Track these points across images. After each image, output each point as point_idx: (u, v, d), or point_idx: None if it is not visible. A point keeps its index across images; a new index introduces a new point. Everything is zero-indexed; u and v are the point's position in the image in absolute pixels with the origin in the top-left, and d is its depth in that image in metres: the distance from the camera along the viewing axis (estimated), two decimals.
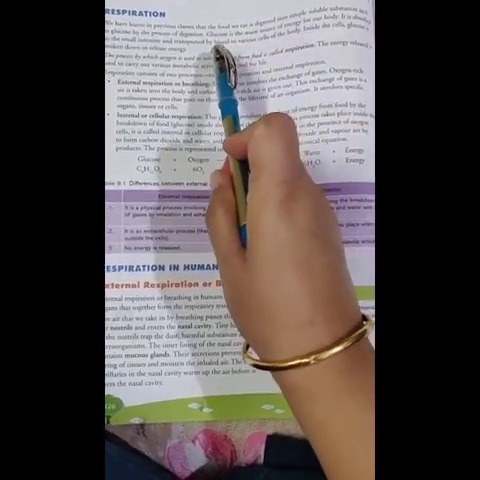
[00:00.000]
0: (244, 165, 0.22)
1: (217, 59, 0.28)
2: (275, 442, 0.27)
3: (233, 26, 0.31)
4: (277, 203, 0.19)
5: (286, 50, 0.30)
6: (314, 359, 0.18)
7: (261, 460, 0.26)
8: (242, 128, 0.28)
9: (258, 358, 0.21)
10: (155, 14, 0.30)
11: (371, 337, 0.24)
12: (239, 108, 0.28)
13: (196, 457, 0.27)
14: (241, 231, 0.21)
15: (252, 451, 0.27)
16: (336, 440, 0.18)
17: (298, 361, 0.18)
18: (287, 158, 0.20)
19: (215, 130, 0.29)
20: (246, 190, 0.21)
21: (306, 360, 0.18)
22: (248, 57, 0.30)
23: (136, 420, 0.26)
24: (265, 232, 0.19)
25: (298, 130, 0.28)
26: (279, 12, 0.30)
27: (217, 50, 0.28)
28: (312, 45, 0.29)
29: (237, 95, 0.29)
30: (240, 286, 0.20)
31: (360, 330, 0.19)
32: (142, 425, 0.27)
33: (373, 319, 0.27)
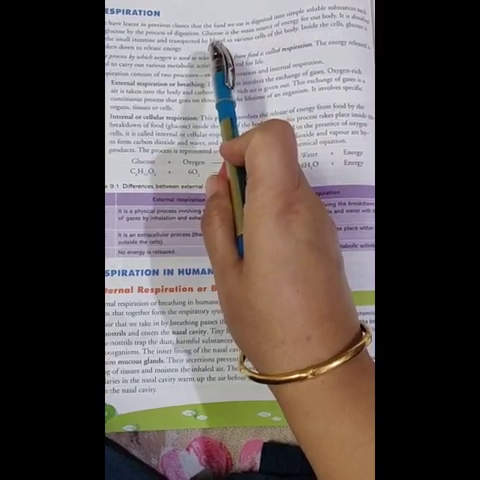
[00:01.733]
0: (242, 172, 0.22)
1: (214, 57, 0.28)
2: (272, 449, 0.27)
3: (229, 25, 0.31)
4: (274, 215, 0.19)
5: (283, 49, 0.30)
6: (311, 374, 0.18)
7: (257, 468, 0.27)
8: (238, 128, 0.29)
9: (254, 370, 0.21)
10: (150, 13, 0.31)
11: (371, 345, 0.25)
12: (236, 107, 0.28)
13: (191, 465, 0.27)
14: (238, 241, 0.21)
15: (248, 459, 0.27)
16: (331, 456, 0.19)
17: (296, 375, 0.19)
18: (285, 168, 0.20)
19: (210, 131, 0.30)
20: (244, 198, 0.21)
21: (303, 375, 0.18)
22: (244, 56, 0.31)
23: (129, 428, 0.27)
24: (262, 245, 0.19)
25: (295, 131, 0.28)
26: (276, 10, 0.31)
27: (214, 47, 0.28)
28: (310, 44, 0.30)
29: (234, 95, 0.30)
30: (237, 299, 0.20)
31: (358, 344, 0.19)
32: (136, 433, 0.27)
33: (373, 325, 0.27)
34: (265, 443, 0.27)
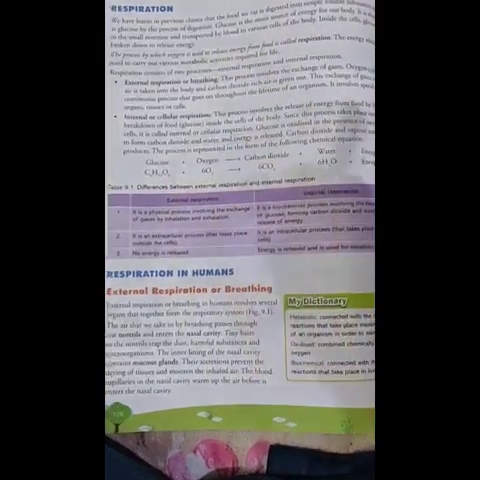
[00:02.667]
0: None
1: None
2: (278, 452, 0.27)
3: (243, 14, 0.31)
4: None
5: (300, 40, 0.30)
6: None
7: (263, 470, 0.27)
8: (251, 122, 0.29)
9: None
10: (162, 9, 0.31)
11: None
12: (249, 101, 0.29)
13: (197, 467, 0.27)
14: None
15: (255, 461, 0.28)
16: None
17: None
18: None
19: (224, 127, 0.30)
20: None
21: None
22: (259, 47, 0.30)
23: (145, 428, 0.28)
24: None
25: (313, 127, 0.29)
26: None
27: None
28: (328, 37, 0.29)
29: (247, 88, 0.30)
30: None
31: None
32: (142, 435, 0.28)
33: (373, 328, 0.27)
34: (272, 445, 0.27)
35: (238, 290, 0.28)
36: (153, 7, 0.31)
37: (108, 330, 0.28)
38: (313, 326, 0.28)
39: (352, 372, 0.27)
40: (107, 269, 0.29)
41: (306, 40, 0.30)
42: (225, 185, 0.29)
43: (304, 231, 0.28)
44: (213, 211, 0.29)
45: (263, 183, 0.29)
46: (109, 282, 0.29)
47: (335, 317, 0.28)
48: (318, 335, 0.28)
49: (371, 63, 0.29)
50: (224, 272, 0.29)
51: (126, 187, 0.29)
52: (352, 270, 0.28)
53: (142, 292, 0.29)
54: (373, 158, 0.28)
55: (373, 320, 0.27)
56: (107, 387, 0.28)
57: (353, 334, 0.27)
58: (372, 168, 0.28)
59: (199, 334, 0.28)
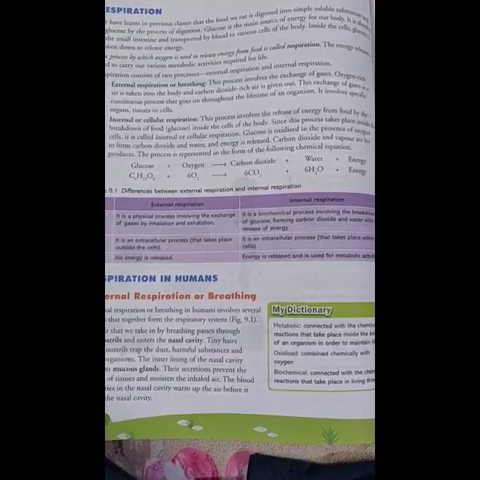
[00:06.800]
0: None
1: None
2: (259, 462, 0.28)
3: (232, 18, 0.32)
4: None
5: (289, 46, 0.31)
6: None
7: None
8: (238, 127, 0.30)
9: None
10: (151, 11, 0.32)
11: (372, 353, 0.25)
12: (236, 106, 0.29)
13: (176, 477, 0.28)
14: None
15: (235, 471, 0.28)
16: None
17: None
18: None
19: (210, 132, 0.31)
20: None
21: None
22: (247, 51, 0.31)
23: (123, 436, 0.28)
24: None
25: (300, 133, 0.30)
26: (282, 4, 0.31)
27: None
28: (317, 44, 0.30)
29: (235, 92, 0.31)
30: None
31: None
32: (120, 443, 0.28)
33: (373, 337, 0.28)
34: (252, 455, 0.28)
35: (221, 297, 0.29)
36: (142, 9, 0.32)
37: None
38: (297, 335, 0.28)
39: (335, 382, 0.28)
40: None
41: (295, 46, 0.31)
42: (210, 190, 0.30)
43: (289, 238, 0.29)
44: (198, 216, 0.30)
45: (249, 189, 0.30)
46: None
47: (319, 326, 0.28)
48: (301, 344, 0.28)
49: (360, 71, 0.30)
50: (208, 278, 0.29)
51: (110, 190, 0.30)
52: (337, 279, 0.29)
53: (124, 297, 0.29)
54: (360, 166, 0.29)
55: (357, 330, 0.28)
56: None
57: (337, 344, 0.28)
58: (359, 176, 0.29)
59: (181, 341, 0.29)
